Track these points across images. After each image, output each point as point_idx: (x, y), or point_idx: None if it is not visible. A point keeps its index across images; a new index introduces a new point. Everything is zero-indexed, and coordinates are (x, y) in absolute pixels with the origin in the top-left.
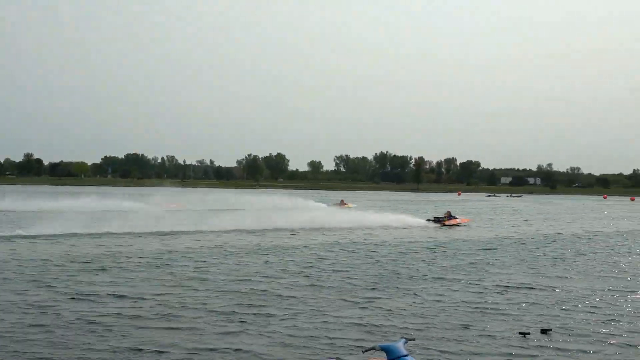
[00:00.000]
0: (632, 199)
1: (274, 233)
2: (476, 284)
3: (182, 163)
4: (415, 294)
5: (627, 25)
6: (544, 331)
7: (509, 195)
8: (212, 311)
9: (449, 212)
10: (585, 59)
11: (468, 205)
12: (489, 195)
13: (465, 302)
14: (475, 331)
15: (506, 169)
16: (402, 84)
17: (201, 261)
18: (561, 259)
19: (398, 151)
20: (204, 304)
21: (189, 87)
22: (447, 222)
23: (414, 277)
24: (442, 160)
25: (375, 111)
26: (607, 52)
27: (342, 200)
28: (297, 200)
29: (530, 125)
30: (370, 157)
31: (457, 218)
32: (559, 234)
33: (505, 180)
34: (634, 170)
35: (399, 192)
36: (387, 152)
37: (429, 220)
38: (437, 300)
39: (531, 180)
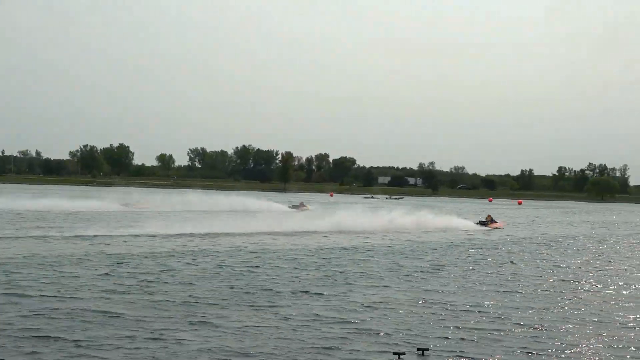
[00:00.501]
0: (520, 202)
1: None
2: (343, 298)
3: (0, 154)
4: (272, 311)
5: (488, 21)
6: (421, 351)
7: (388, 197)
8: (23, 337)
9: (490, 216)
10: (465, 55)
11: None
12: (366, 197)
13: (331, 319)
14: (342, 352)
15: (384, 168)
16: (266, 67)
17: (12, 272)
18: (439, 269)
19: (263, 145)
20: (12, 326)
21: (6, 64)
22: (491, 225)
23: (271, 291)
24: (313, 156)
25: (236, 98)
26: (493, 50)
27: (302, 203)
28: (263, 202)
29: (411, 119)
30: (230, 151)
31: (496, 222)
32: (437, 241)
33: (383, 180)
34: (522, 171)
35: (263, 191)
36: (249, 145)
37: (476, 223)
38: (298, 318)
39: (411, 180)
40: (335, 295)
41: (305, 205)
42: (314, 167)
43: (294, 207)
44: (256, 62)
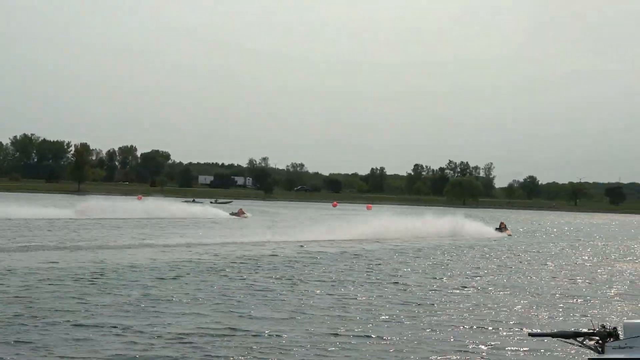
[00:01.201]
0: (369, 208)
1: None
2: (144, 330)
3: None
4: (45, 349)
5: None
6: None
7: (214, 201)
8: None
9: (503, 223)
10: (302, 40)
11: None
12: (187, 201)
13: (127, 357)
14: None
15: (206, 164)
16: (57, 39)
17: None
18: (271, 291)
19: (49, 135)
20: None
21: None
22: (509, 233)
23: (47, 321)
24: (116, 149)
25: (15, 75)
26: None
27: (241, 209)
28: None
29: (239, 107)
30: (6, 141)
31: (508, 229)
32: (273, 255)
33: (205, 179)
34: (372, 170)
35: (51, 193)
36: (32, 135)
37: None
38: (80, 358)
39: (240, 180)
40: (132, 326)
41: (244, 213)
42: (117, 163)
43: (233, 214)
44: (41, 32)
